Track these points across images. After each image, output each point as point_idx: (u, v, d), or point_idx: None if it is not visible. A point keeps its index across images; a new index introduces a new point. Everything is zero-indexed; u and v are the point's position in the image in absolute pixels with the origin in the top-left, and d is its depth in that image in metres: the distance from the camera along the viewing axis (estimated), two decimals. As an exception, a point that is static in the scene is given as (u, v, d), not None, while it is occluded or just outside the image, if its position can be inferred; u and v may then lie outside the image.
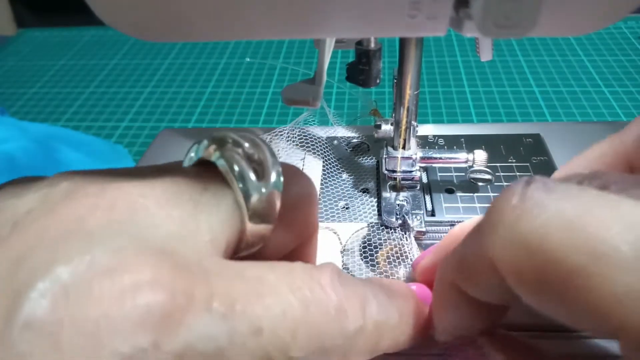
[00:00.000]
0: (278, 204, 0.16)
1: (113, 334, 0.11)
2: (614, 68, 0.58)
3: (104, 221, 0.13)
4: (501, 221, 0.13)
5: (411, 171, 0.29)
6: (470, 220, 0.21)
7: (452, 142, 0.35)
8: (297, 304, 0.14)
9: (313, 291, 0.14)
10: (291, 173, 0.18)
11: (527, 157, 0.33)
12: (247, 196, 0.15)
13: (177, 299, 0.12)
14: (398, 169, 0.29)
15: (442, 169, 0.32)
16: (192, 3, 0.14)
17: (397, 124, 0.28)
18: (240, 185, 0.15)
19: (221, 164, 0.15)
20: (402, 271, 0.26)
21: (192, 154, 0.17)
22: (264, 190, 0.15)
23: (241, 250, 0.16)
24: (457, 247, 0.17)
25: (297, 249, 0.20)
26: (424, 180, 0.32)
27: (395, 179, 0.30)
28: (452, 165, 0.31)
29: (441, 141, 0.35)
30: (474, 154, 0.29)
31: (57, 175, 0.15)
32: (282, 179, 0.16)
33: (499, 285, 0.14)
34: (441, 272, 0.18)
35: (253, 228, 0.16)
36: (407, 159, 0.29)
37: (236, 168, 0.15)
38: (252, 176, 0.15)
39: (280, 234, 0.17)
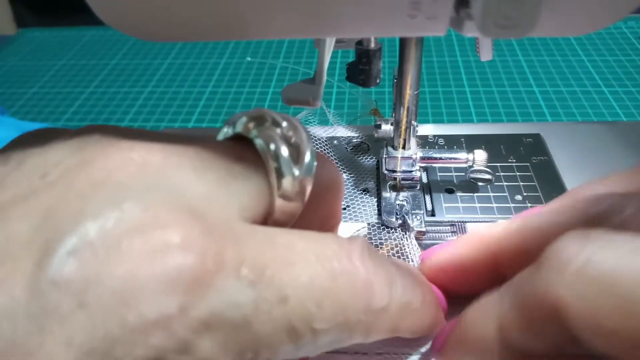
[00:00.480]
0: (309, 187, 0.16)
1: (139, 296, 0.10)
2: (614, 68, 0.58)
3: (136, 176, 0.12)
4: (569, 262, 0.12)
5: (411, 171, 0.29)
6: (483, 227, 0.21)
7: (452, 142, 0.35)
8: (325, 274, 0.13)
9: (342, 262, 0.14)
10: (323, 161, 0.18)
11: (527, 157, 0.33)
12: (280, 175, 0.15)
13: (207, 262, 0.11)
14: (398, 169, 0.29)
15: (442, 169, 0.32)
16: (192, 3, 0.14)
17: (397, 124, 0.28)
18: (275, 165, 0.15)
19: (259, 141, 0.15)
20: None
21: (227, 129, 0.17)
22: (297, 172, 0.15)
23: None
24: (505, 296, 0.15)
25: None
26: (424, 180, 0.32)
27: (395, 178, 0.30)
28: (452, 165, 0.31)
29: (441, 141, 0.35)
30: (474, 153, 0.29)
31: (88, 126, 0.14)
32: (315, 163, 0.16)
33: (558, 334, 0.13)
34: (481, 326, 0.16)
35: (282, 206, 0.15)
36: (407, 158, 0.29)
37: (272, 147, 0.15)
38: (288, 157, 0.15)
39: (305, 219, 0.17)
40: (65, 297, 0.10)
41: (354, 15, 0.15)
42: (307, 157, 0.16)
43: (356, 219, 0.30)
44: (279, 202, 0.15)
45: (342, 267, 0.14)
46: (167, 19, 0.15)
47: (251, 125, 0.16)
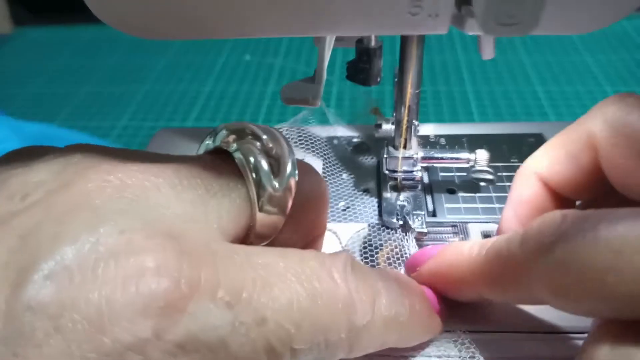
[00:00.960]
0: (290, 199, 0.16)
1: (115, 321, 0.11)
2: (617, 67, 0.57)
3: (114, 199, 0.12)
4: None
5: (412, 171, 0.29)
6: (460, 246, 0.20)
7: (454, 142, 0.34)
8: (304, 294, 0.13)
9: (322, 281, 0.14)
10: (306, 171, 0.18)
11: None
12: (260, 189, 0.15)
13: (182, 287, 0.11)
14: (399, 169, 0.29)
15: (443, 169, 0.32)
16: (190, 1, 0.14)
17: (398, 124, 0.28)
18: (255, 178, 0.15)
19: (237, 155, 0.15)
20: (402, 272, 0.26)
21: (209, 142, 0.17)
22: (277, 185, 0.15)
23: (250, 241, 0.16)
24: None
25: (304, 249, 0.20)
26: (425, 180, 0.31)
27: (396, 179, 0.30)
28: (454, 166, 0.31)
29: (442, 141, 0.35)
30: (476, 153, 0.29)
31: (70, 147, 0.14)
32: (296, 175, 0.16)
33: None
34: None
35: (263, 219, 0.15)
36: (408, 158, 0.29)
37: (252, 160, 0.15)
38: (267, 170, 0.15)
39: (289, 231, 0.17)
40: (40, 322, 0.10)
41: (355, 13, 0.15)
42: (288, 169, 0.16)
43: (357, 220, 0.29)
44: (260, 216, 0.15)
45: (322, 286, 0.14)
46: (165, 17, 0.15)
47: (231, 138, 0.16)
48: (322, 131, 0.36)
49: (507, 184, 0.31)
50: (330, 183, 0.32)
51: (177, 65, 0.65)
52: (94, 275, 0.11)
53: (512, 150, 0.33)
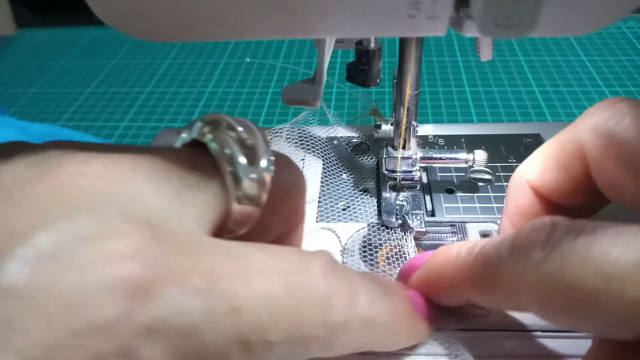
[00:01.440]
0: (266, 189, 0.16)
1: (85, 303, 0.11)
2: (615, 68, 0.58)
3: (91, 189, 0.13)
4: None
5: (411, 171, 0.29)
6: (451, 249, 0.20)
7: (452, 142, 0.35)
8: (280, 287, 0.13)
9: (301, 275, 0.14)
10: (282, 162, 0.18)
11: (527, 157, 0.33)
12: (236, 179, 0.15)
13: (153, 270, 0.12)
14: (398, 169, 0.29)
15: (442, 169, 0.32)
16: (192, 3, 0.14)
17: (397, 124, 0.28)
18: (230, 168, 0.15)
19: (213, 145, 0.15)
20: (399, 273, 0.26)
21: (185, 135, 0.17)
22: (253, 175, 0.15)
23: (227, 231, 0.16)
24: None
25: (283, 238, 0.20)
26: (424, 180, 0.31)
27: (395, 179, 0.30)
28: (452, 166, 0.31)
29: (441, 141, 0.35)
30: (474, 154, 0.29)
31: (48, 142, 0.14)
32: (272, 165, 0.16)
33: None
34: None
35: (239, 210, 0.15)
36: (407, 159, 0.29)
37: (227, 151, 0.15)
38: (243, 160, 0.15)
39: (266, 221, 0.17)
40: (16, 306, 0.10)
41: (353, 15, 0.15)
42: (264, 159, 0.16)
43: (356, 219, 0.30)
44: (236, 207, 0.15)
45: (301, 280, 0.14)
46: (167, 18, 0.15)
47: (206, 130, 0.16)
48: (322, 131, 0.37)
49: (505, 183, 0.31)
50: (330, 183, 0.33)
51: (179, 67, 0.66)
52: (68, 259, 0.11)
53: (510, 151, 0.34)
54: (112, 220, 0.12)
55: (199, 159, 0.15)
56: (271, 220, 0.18)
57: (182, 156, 0.15)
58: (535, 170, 0.21)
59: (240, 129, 0.16)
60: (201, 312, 0.12)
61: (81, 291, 0.11)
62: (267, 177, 0.16)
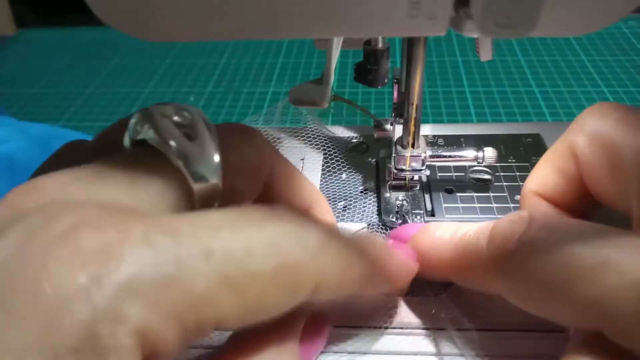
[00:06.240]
0: (216, 159, 0.16)
1: (54, 275, 0.11)
2: (614, 68, 0.58)
3: (37, 202, 0.13)
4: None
5: (421, 169, 0.29)
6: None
7: (452, 142, 0.35)
8: (250, 226, 0.14)
9: (269, 217, 0.14)
10: (230, 130, 0.18)
11: (527, 157, 0.33)
12: (184, 159, 0.15)
13: (109, 233, 0.12)
14: (407, 167, 0.29)
15: (441, 169, 0.32)
16: (192, 3, 0.14)
17: (406, 123, 0.28)
18: (173, 151, 0.15)
19: (150, 136, 0.15)
20: None
21: (126, 135, 0.17)
22: (197, 150, 0.15)
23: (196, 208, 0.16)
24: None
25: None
26: (424, 180, 0.31)
27: (403, 178, 0.30)
28: (458, 164, 0.31)
29: (441, 141, 0.35)
30: (483, 151, 0.29)
31: None
32: (215, 137, 0.16)
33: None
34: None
35: (200, 188, 0.16)
36: (417, 157, 0.29)
37: (165, 136, 0.15)
38: (183, 140, 0.15)
39: (237, 189, 0.17)
40: None
41: (353, 15, 0.15)
42: (204, 133, 0.16)
43: (356, 219, 0.30)
44: (195, 186, 0.15)
45: (268, 218, 0.14)
46: (167, 18, 0.15)
47: (139, 127, 0.16)
48: (322, 131, 0.37)
49: (505, 183, 0.31)
50: (330, 183, 0.33)
51: (179, 67, 0.66)
52: (31, 241, 0.12)
53: (509, 151, 0.34)
54: (62, 208, 0.13)
55: (145, 153, 0.16)
56: (242, 187, 0.18)
57: (128, 155, 0.16)
58: (536, 179, 0.22)
59: (172, 112, 0.16)
60: (173, 261, 0.12)
61: (48, 264, 0.11)
62: (214, 148, 0.16)
